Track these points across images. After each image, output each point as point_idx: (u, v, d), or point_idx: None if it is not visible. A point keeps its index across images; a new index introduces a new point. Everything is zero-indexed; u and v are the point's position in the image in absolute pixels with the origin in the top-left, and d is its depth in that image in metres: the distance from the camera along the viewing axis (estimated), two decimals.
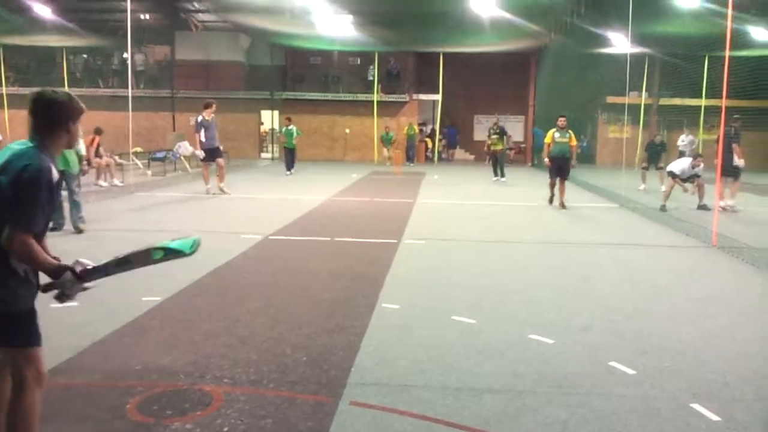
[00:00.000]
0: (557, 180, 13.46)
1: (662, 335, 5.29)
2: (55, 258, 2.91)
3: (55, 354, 4.57)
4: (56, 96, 2.91)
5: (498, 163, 19.90)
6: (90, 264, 2.87)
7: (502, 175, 19.56)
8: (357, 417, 3.73)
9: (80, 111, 2.99)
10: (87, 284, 2.89)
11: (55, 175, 2.85)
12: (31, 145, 2.85)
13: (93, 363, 4.49)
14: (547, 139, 13.63)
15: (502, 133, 20.02)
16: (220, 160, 14.85)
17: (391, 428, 3.60)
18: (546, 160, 13.62)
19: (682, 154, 17.39)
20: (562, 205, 13.22)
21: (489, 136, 20.32)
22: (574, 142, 13.66)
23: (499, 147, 19.90)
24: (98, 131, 16.02)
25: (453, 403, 3.93)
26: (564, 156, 13.38)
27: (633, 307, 6.17)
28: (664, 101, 26.12)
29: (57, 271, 2.81)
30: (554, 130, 13.56)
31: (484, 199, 15.24)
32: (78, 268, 2.82)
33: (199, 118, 14.41)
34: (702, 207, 12.92)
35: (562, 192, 13.42)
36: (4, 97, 27.11)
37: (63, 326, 5.24)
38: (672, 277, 7.51)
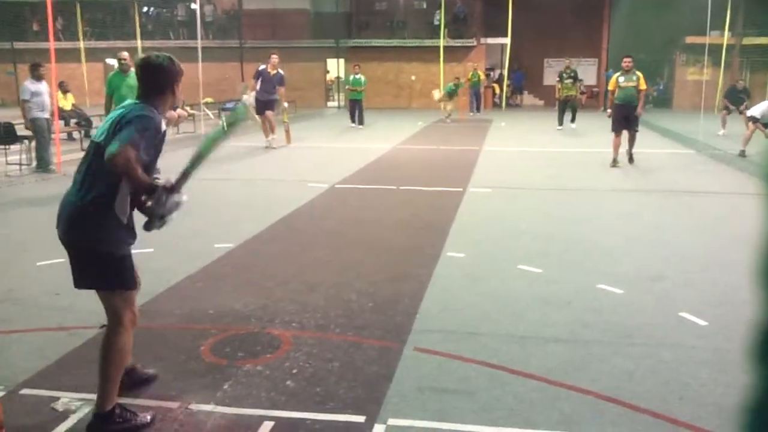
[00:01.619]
0: (623, 135, 11.43)
1: (738, 287, 5.10)
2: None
3: None
4: (161, 61, 3.18)
5: (571, 109, 18.64)
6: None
7: (572, 120, 18.47)
8: (421, 362, 3.79)
9: (181, 73, 3.27)
10: (181, 198, 3.18)
11: (164, 126, 3.17)
12: (141, 104, 3.12)
13: (169, 307, 4.69)
14: (611, 85, 11.75)
15: (575, 77, 18.55)
16: (269, 113, 14.04)
17: (455, 374, 3.64)
18: (608, 110, 11.83)
19: None
20: (631, 158, 11.52)
21: (560, 80, 18.62)
22: (643, 87, 11.49)
23: (573, 93, 18.51)
24: None
25: (518, 351, 3.94)
26: (631, 103, 11.35)
27: (707, 257, 5.97)
28: (748, 41, 24.59)
29: (152, 187, 3.05)
30: (618, 73, 11.62)
31: (552, 146, 14.88)
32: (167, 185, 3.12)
33: (261, 68, 14.03)
34: None
35: (631, 142, 11.51)
36: (82, 51, 27.94)
37: (141, 270, 5.47)
38: (752, 226, 7.19)
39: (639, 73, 11.47)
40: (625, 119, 11.35)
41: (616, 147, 11.40)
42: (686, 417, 3.17)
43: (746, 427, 0.85)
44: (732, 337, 4.13)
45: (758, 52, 23.76)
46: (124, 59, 9.66)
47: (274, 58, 13.81)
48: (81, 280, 3.15)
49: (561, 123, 18.40)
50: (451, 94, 21.95)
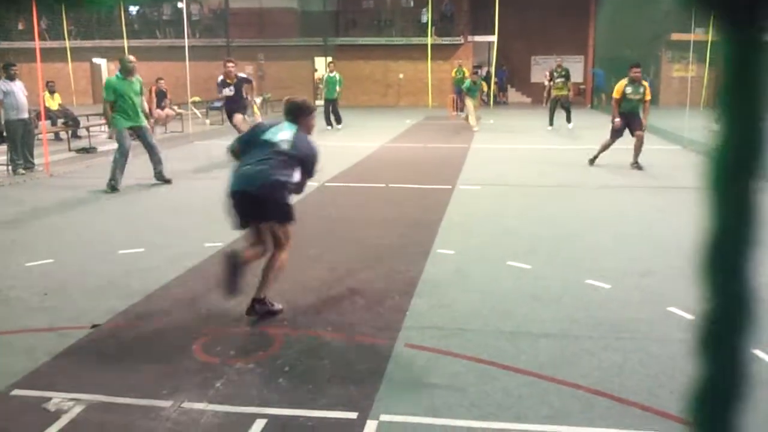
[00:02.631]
0: (627, 134, 10.79)
1: None
2: None
3: (124, 297, 4.81)
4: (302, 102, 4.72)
5: (564, 109, 17.73)
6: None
7: (569, 121, 17.64)
8: (412, 359, 3.82)
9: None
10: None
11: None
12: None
13: (160, 306, 4.70)
14: (616, 94, 10.69)
15: (567, 76, 17.73)
16: (238, 117, 12.27)
17: (445, 370, 3.67)
18: (616, 120, 10.69)
19: None
20: (637, 165, 10.77)
21: (551, 79, 18.03)
22: (648, 97, 10.67)
23: (564, 92, 17.72)
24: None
25: (508, 347, 3.97)
26: (633, 112, 10.68)
27: (693, 252, 6.02)
28: None
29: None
30: (625, 82, 10.59)
31: (540, 144, 14.95)
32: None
33: (219, 79, 12.28)
34: None
35: (637, 148, 10.74)
36: (68, 50, 27.74)
37: (131, 271, 5.48)
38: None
39: (645, 84, 10.77)
40: (628, 125, 10.72)
41: (606, 147, 10.98)
42: (674, 409, 3.22)
43: (693, 414, 0.92)
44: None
45: None
46: (132, 61, 9.38)
47: (230, 66, 12.12)
48: (268, 218, 4.41)
49: (552, 123, 17.95)
50: (471, 92, 18.45)
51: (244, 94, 12.28)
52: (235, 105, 12.38)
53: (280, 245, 4.45)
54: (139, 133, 9.52)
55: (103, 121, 12.50)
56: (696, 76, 22.35)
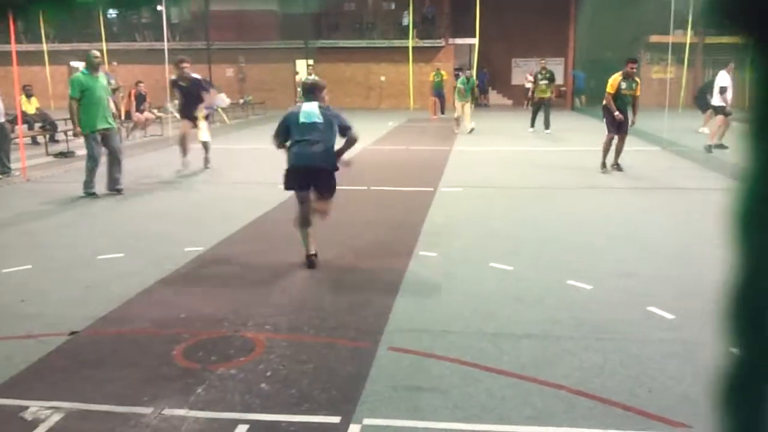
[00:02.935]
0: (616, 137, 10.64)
1: (703, 280, 5.21)
2: None
3: (103, 303, 4.76)
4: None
5: (544, 112, 17.53)
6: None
7: (547, 127, 17.40)
8: (395, 362, 3.80)
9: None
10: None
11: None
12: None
13: (140, 312, 4.64)
14: (611, 89, 10.45)
15: (552, 78, 17.68)
16: (186, 124, 11.24)
17: (428, 373, 3.67)
18: (616, 113, 10.35)
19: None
20: (618, 167, 10.83)
21: (535, 81, 17.84)
22: (638, 93, 10.64)
23: (548, 95, 17.56)
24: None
25: (490, 348, 3.98)
26: (625, 110, 10.58)
27: (675, 252, 6.09)
28: (711, 39, 25.10)
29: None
30: (620, 77, 10.46)
31: (522, 146, 15.03)
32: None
33: (172, 77, 11.66)
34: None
35: (619, 149, 10.79)
36: (45, 54, 27.43)
37: (110, 276, 5.42)
38: (715, 221, 7.35)
39: (638, 80, 10.68)
40: (620, 124, 10.56)
41: (608, 145, 10.72)
42: (655, 409, 3.24)
43: (725, 397, 0.85)
44: (698, 329, 4.22)
45: (721, 51, 24.26)
46: (97, 56, 9.00)
47: (185, 66, 11.01)
48: (318, 187, 5.69)
49: (533, 125, 17.88)
50: (463, 93, 17.70)
51: (201, 99, 10.91)
52: (186, 111, 11.07)
53: (321, 211, 5.80)
54: (105, 135, 8.97)
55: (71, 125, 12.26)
56: (674, 77, 22.60)
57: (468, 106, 17.88)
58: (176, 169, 11.09)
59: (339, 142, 5.71)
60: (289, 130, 5.67)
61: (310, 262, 5.64)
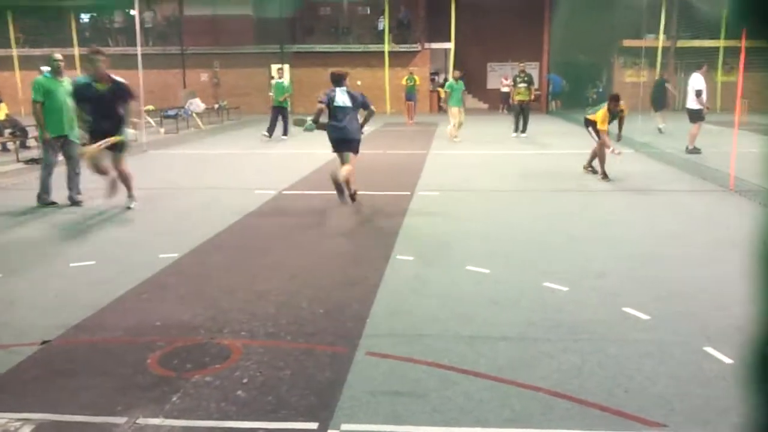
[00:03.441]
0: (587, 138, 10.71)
1: (677, 280, 5.28)
2: None
3: (76, 311, 4.68)
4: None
5: (522, 115, 17.53)
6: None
7: (524, 130, 17.49)
8: (373, 366, 3.79)
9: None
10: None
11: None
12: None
13: (113, 319, 4.57)
14: (602, 125, 10.38)
15: (530, 81, 17.76)
16: (93, 149, 8.13)
17: (406, 377, 3.66)
18: (616, 152, 10.14)
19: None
20: (592, 169, 10.90)
21: (515, 84, 17.83)
22: (626, 112, 10.87)
23: (527, 98, 17.56)
24: None
25: (468, 351, 3.98)
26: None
27: (649, 252, 6.15)
28: (682, 43, 25.50)
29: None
30: (605, 113, 10.39)
31: (498, 149, 15.11)
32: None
33: (80, 81, 8.51)
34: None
35: (594, 152, 10.78)
36: (15, 59, 27.02)
37: (83, 284, 5.33)
38: (689, 222, 7.46)
39: (622, 107, 10.61)
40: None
41: (600, 152, 10.47)
42: (632, 409, 3.26)
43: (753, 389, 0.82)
44: (672, 329, 4.27)
45: (692, 54, 24.66)
46: (59, 60, 8.73)
47: (101, 61, 8.08)
48: (351, 149, 8.25)
49: (517, 129, 17.65)
50: (454, 95, 16.70)
51: (118, 112, 8.08)
52: (105, 123, 7.94)
53: (350, 162, 8.21)
54: (64, 143, 8.67)
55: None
56: (647, 81, 22.89)
57: (455, 110, 16.73)
58: (97, 203, 8.63)
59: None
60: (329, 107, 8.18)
61: (353, 198, 8.40)
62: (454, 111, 16.61)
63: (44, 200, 8.58)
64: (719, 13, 20.49)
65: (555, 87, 27.73)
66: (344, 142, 8.19)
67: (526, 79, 17.61)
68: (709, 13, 19.95)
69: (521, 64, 18.63)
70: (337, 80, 8.23)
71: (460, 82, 16.87)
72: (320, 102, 8.19)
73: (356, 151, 8.34)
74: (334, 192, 8.03)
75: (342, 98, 8.11)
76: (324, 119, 8.28)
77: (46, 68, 9.94)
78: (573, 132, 17.49)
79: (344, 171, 8.07)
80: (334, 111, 8.09)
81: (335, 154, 8.49)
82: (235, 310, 4.69)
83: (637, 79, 24.31)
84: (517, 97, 17.77)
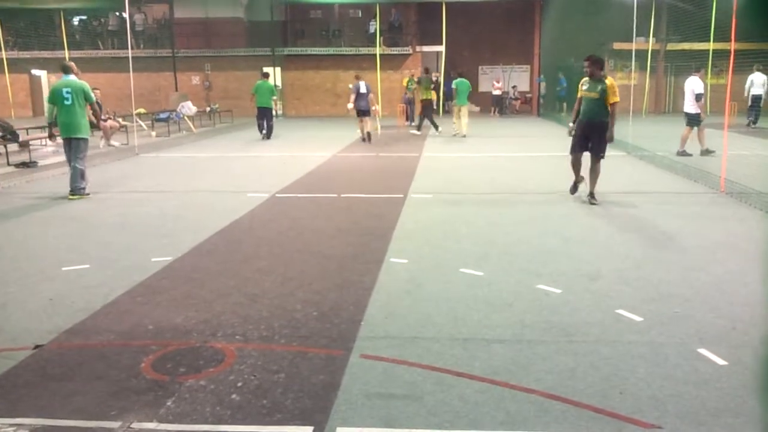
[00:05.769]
0: (583, 156, 8.84)
1: (670, 282, 5.31)
2: None
3: (69, 315, 4.65)
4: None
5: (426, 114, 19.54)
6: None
7: (420, 127, 19.72)
8: (368, 369, 3.78)
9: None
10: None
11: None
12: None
13: (107, 323, 4.55)
14: (579, 92, 8.83)
15: (428, 82, 19.73)
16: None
17: (401, 379, 3.66)
18: (570, 125, 8.97)
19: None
20: (592, 197, 8.72)
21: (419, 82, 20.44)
22: (614, 99, 8.37)
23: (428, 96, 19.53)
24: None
25: (462, 353, 3.98)
26: (595, 120, 8.50)
27: (641, 255, 6.18)
28: (672, 46, 25.66)
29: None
30: (584, 79, 8.74)
31: (490, 152, 15.15)
32: None
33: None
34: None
35: (593, 178, 8.75)
36: (4, 62, 26.87)
37: (76, 287, 5.31)
38: (681, 224, 7.50)
39: (608, 82, 8.44)
40: (586, 139, 8.66)
41: (575, 165, 8.91)
42: (626, 410, 3.27)
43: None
44: (666, 331, 4.29)
45: (682, 57, 24.84)
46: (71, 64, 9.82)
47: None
48: (366, 115, 17.43)
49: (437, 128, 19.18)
50: (460, 94, 18.89)
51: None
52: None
53: (370, 127, 16.91)
54: (77, 144, 9.55)
55: (45, 135, 12.14)
56: (638, 84, 23.01)
57: (464, 110, 18.92)
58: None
59: None
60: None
61: (369, 137, 16.64)
62: (464, 110, 18.88)
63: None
64: (708, 16, 20.64)
65: (562, 91, 27.58)
66: (364, 113, 17.05)
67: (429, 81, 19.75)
68: (698, 14, 20.09)
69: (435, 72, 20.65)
70: (359, 77, 17.74)
71: (466, 82, 19.18)
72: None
73: (370, 115, 17.11)
74: (327, 195, 7.99)
75: (365, 89, 16.95)
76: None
77: (37, 72, 10.83)
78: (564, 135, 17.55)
79: (368, 126, 16.94)
80: (358, 97, 16.91)
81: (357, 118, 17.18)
82: (228, 314, 4.68)
83: (628, 81, 24.43)
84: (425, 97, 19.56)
